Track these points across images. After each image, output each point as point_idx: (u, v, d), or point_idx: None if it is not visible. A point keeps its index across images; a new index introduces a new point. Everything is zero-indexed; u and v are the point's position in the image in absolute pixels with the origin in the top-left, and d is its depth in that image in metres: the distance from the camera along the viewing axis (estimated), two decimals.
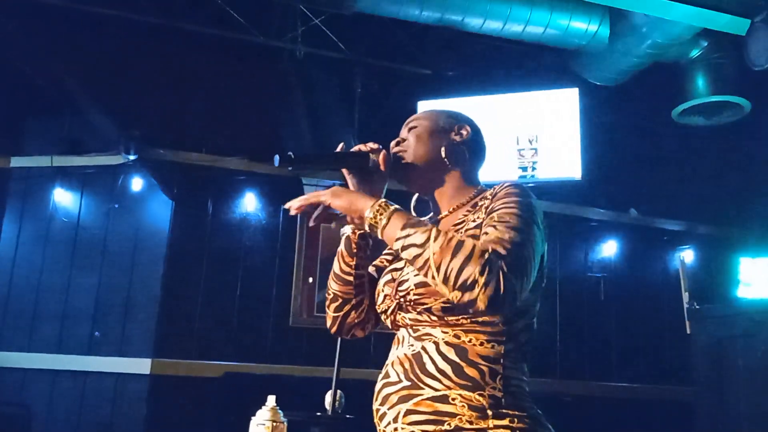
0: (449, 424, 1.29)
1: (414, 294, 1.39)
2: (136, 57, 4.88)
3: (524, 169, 4.76)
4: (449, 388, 1.31)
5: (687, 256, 5.59)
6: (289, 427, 1.92)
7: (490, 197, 1.43)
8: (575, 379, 5.31)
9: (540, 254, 1.36)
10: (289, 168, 1.46)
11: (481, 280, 1.20)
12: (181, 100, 4.86)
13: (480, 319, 1.34)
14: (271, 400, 1.90)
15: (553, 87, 4.88)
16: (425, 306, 1.37)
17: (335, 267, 1.59)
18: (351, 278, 1.56)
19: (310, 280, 4.99)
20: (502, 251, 1.24)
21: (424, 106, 4.55)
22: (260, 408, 1.89)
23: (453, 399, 1.30)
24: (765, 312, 4.12)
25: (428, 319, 1.38)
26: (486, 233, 1.30)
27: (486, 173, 1.62)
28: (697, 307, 4.31)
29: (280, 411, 1.89)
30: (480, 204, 1.47)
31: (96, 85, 4.69)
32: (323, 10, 4.56)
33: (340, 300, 1.58)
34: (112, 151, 4.83)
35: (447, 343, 1.35)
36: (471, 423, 1.28)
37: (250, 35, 4.70)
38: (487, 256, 1.22)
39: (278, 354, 4.80)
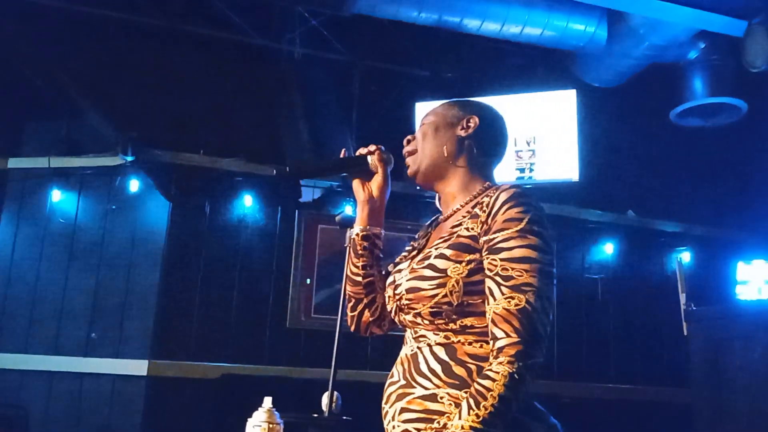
0: (438, 422, 1.30)
1: (405, 299, 1.41)
2: (133, 58, 4.88)
3: (522, 170, 4.76)
4: (438, 387, 1.33)
5: (684, 257, 5.59)
6: (286, 429, 1.93)
7: (486, 207, 1.37)
8: (573, 381, 5.29)
9: (553, 281, 1.38)
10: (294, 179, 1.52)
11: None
12: (178, 101, 4.86)
13: (467, 323, 1.35)
14: (268, 401, 1.91)
15: (551, 88, 4.88)
16: (416, 311, 1.39)
17: (346, 269, 1.63)
18: (360, 279, 1.59)
19: (308, 281, 4.97)
20: (519, 352, 1.25)
21: (422, 107, 4.54)
22: (257, 409, 1.90)
23: (441, 398, 1.31)
24: (762, 313, 4.11)
25: (422, 322, 1.40)
26: (492, 320, 1.29)
27: None
28: (695, 308, 4.29)
29: (276, 412, 1.90)
30: (479, 205, 1.40)
31: (93, 87, 4.69)
32: (321, 11, 4.55)
33: (354, 300, 1.61)
34: (109, 153, 4.81)
35: (439, 344, 1.37)
36: None
37: (248, 37, 4.69)
38: (511, 379, 1.23)
39: (275, 355, 4.78)
